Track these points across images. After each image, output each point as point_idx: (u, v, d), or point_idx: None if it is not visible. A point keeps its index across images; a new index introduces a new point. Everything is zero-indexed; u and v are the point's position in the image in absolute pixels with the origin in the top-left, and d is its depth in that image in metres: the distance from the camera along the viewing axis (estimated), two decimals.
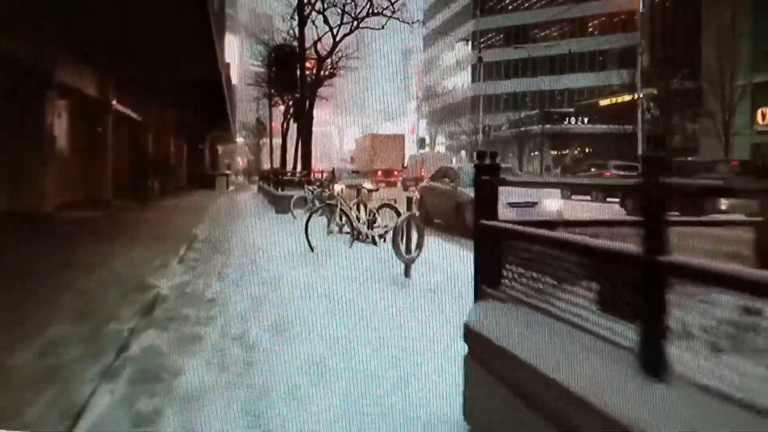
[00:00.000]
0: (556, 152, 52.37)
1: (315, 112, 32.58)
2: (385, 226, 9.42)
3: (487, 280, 3.21)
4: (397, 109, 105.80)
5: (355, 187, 9.45)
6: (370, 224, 9.33)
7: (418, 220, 6.75)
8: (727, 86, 30.37)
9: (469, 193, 9.48)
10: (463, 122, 60.68)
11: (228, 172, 48.13)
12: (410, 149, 59.25)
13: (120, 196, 20.54)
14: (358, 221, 9.22)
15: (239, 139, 67.54)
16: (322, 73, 19.25)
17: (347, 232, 9.24)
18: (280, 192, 15.95)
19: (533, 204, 11.06)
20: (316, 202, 13.80)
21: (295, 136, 23.69)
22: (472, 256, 3.34)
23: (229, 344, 4.82)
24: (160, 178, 25.81)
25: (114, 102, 20.87)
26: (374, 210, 9.41)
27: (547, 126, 51.63)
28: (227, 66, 41.20)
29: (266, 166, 39.62)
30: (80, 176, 18.54)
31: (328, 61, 19.47)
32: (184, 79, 24.99)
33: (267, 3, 25.58)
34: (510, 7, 64.37)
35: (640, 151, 29.30)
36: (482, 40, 67.01)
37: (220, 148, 63.67)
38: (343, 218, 9.29)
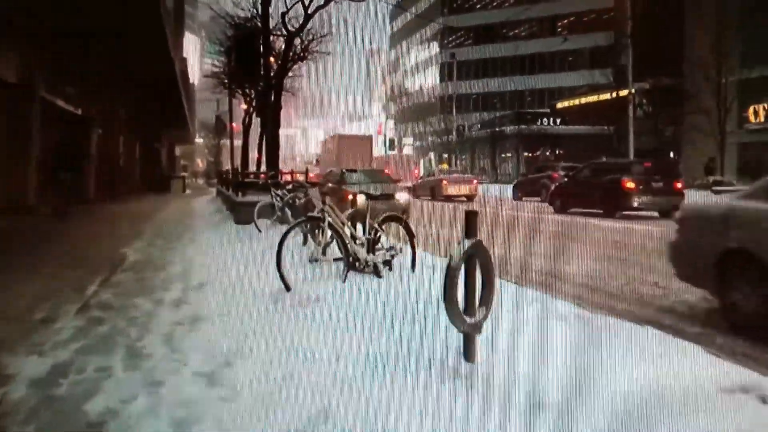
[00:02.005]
0: (529, 154, 50.10)
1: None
2: (391, 248, 6.44)
3: None
4: (363, 110, 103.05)
5: (352, 194, 6.43)
6: (371, 246, 6.32)
7: (485, 252, 3.73)
8: (722, 82, 28.31)
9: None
10: (434, 122, 58.02)
11: (184, 174, 44.40)
12: (378, 150, 56.52)
13: (50, 202, 17.08)
14: (355, 242, 6.19)
15: (198, 140, 63.71)
16: (291, 54, 16.08)
17: (338, 259, 6.21)
18: (240, 197, 12.79)
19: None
20: (287, 212, 10.71)
21: (258, 134, 20.53)
22: None
23: None
24: (98, 179, 22.31)
25: (42, 91, 17.35)
26: (376, 225, 6.41)
27: (523, 126, 49.36)
28: (184, 61, 37.72)
29: (227, 167, 36.27)
30: None
31: (297, 41, 16.33)
32: (134, 70, 21.58)
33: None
34: (479, 5, 61.99)
35: (632, 149, 26.86)
36: (451, 38, 64.55)
37: (178, 149, 59.70)
38: (333, 238, 6.24)
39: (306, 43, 17.69)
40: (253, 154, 23.86)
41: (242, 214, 12.41)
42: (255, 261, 7.53)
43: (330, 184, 15.67)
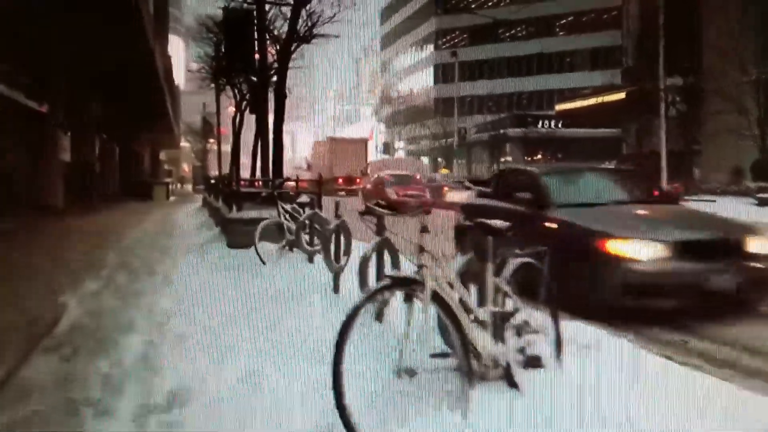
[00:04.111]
0: (529, 158, 47.28)
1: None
2: (524, 326, 3.38)
3: None
4: (353, 113, 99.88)
5: (484, 227, 3.30)
6: (500, 326, 3.24)
7: None
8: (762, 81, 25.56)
9: None
10: (430, 125, 55.00)
11: (169, 180, 40.94)
12: (371, 154, 53.47)
13: (9, 210, 13.84)
14: (470, 319, 3.10)
15: (184, 144, 60.16)
16: (297, 27, 12.93)
17: (440, 355, 3.11)
18: (235, 213, 9.61)
19: None
20: (303, 238, 7.58)
21: (252, 136, 17.37)
22: None
23: None
24: (68, 186, 19.01)
25: None
26: (504, 285, 3.34)
27: (522, 129, 46.50)
28: (168, 59, 34.34)
29: (214, 172, 32.99)
30: None
31: (300, 21, 13.17)
32: (108, 62, 18.37)
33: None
34: (474, 5, 59.15)
35: (663, 150, 23.98)
36: (445, 39, 61.68)
37: (163, 154, 56.26)
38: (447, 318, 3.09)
39: (311, 24, 14.55)
40: (247, 160, 20.68)
41: (237, 236, 9.29)
42: (263, 323, 4.50)
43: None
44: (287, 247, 8.25)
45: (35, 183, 17.16)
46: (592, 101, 45.34)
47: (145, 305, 5.93)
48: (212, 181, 19.16)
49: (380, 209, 3.47)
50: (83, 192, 22.33)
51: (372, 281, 4.67)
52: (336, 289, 5.95)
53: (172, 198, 32.71)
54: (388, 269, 4.76)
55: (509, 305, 3.43)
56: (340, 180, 39.49)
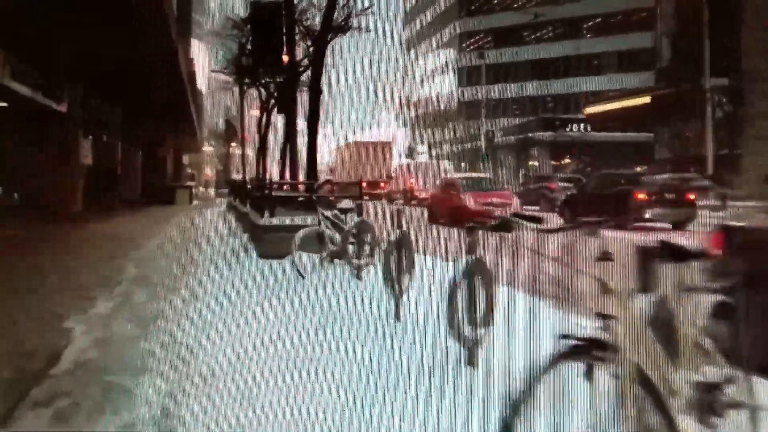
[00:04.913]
0: (557, 162, 45.79)
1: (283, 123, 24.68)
2: None
3: None
4: (372, 118, 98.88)
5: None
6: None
7: None
8: None
9: None
10: (454, 129, 53.67)
11: (191, 183, 40.12)
12: (394, 158, 52.29)
13: (26, 215, 12.94)
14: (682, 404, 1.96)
15: (206, 148, 59.50)
16: (334, 16, 11.82)
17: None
18: (267, 219, 8.48)
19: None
20: (350, 249, 6.45)
21: (281, 138, 16.43)
22: None
23: None
24: (88, 189, 18.09)
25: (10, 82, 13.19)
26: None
27: (550, 133, 45.02)
28: (191, 62, 33.55)
29: (238, 176, 32.07)
30: None
31: (335, 11, 12.05)
32: (132, 63, 17.47)
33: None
34: (499, 7, 57.81)
35: (710, 154, 22.48)
36: (470, 42, 60.40)
37: (185, 157, 55.59)
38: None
39: (347, 12, 13.48)
40: (271, 167, 19.65)
41: (270, 245, 8.19)
42: (314, 364, 3.39)
43: None
44: (329, 259, 7.13)
45: (53, 186, 16.26)
46: (623, 104, 43.80)
47: (165, 335, 4.82)
48: (237, 185, 18.08)
49: (523, 219, 2.28)
50: (104, 196, 21.49)
51: (462, 313, 3.51)
52: (398, 315, 4.81)
53: (195, 202, 31.82)
54: (479, 299, 3.59)
55: (711, 368, 2.25)
56: (364, 184, 38.38)
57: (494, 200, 15.72)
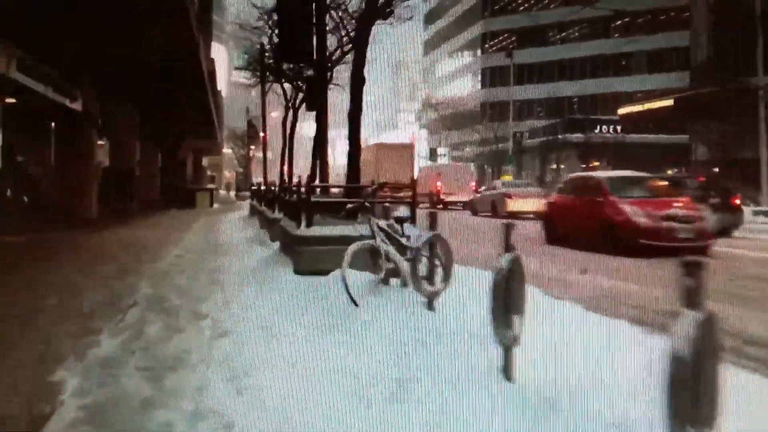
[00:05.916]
0: (585, 165, 44.08)
1: (303, 124, 23.37)
2: None
3: None
4: (392, 120, 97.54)
5: None
6: None
7: None
8: None
9: None
10: (480, 130, 52.11)
11: (212, 186, 39.00)
12: (416, 160, 50.88)
13: (35, 218, 11.72)
14: None
15: (226, 150, 58.47)
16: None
17: None
18: (305, 229, 7.10)
19: None
20: (420, 271, 5.06)
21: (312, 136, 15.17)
22: None
23: None
24: (104, 193, 16.86)
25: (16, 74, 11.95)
26: None
27: (578, 134, 43.41)
28: (212, 62, 32.40)
29: (259, 179, 30.83)
30: None
31: None
32: (151, 59, 16.30)
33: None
34: (522, 7, 56.15)
35: (764, 156, 20.82)
36: (493, 42, 58.83)
37: (204, 160, 54.62)
38: None
39: None
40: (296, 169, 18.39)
41: (310, 259, 6.84)
42: None
43: None
44: (384, 280, 5.75)
45: (65, 188, 15.05)
46: (658, 104, 42.10)
47: (186, 392, 3.46)
48: (262, 191, 16.75)
49: None
50: (121, 199, 20.33)
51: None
52: (508, 374, 3.41)
53: (215, 205, 30.65)
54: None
55: None
56: (387, 188, 37.03)
57: (677, 212, 10.49)
